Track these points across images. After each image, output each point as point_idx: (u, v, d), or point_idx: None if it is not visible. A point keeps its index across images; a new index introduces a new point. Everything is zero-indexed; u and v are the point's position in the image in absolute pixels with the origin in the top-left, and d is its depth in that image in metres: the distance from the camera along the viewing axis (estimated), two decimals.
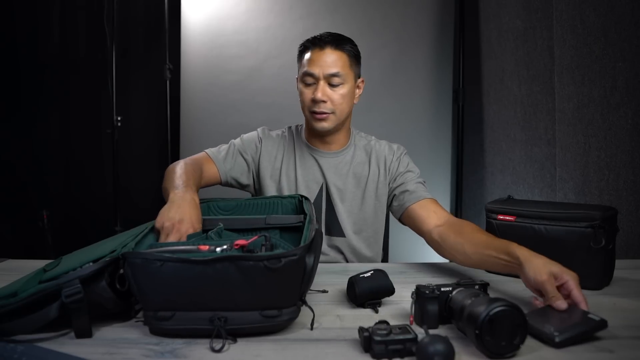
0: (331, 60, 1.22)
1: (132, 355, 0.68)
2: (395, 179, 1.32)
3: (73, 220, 2.81)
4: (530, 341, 0.71)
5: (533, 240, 1.02)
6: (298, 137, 1.37)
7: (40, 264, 0.88)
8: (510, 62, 2.08)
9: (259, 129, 1.39)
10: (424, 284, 0.79)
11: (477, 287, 0.79)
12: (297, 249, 0.72)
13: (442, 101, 2.52)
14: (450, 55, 2.52)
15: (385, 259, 1.54)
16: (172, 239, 0.90)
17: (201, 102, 2.59)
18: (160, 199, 1.09)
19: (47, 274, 0.81)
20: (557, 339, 0.69)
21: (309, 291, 0.89)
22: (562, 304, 0.78)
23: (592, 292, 0.95)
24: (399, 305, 0.88)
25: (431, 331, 0.70)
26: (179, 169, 1.15)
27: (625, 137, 1.39)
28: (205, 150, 1.33)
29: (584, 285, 0.96)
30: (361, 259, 1.33)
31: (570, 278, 0.81)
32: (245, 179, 1.34)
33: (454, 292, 0.77)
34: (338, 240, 1.31)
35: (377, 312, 0.85)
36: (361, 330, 0.70)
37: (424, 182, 1.32)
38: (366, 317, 0.83)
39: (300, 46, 1.29)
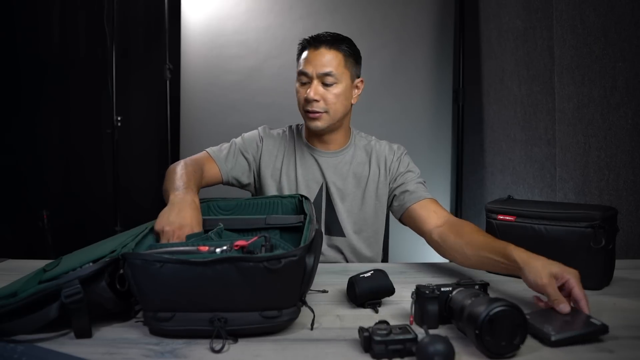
0: (325, 60, 1.22)
1: (132, 355, 0.68)
2: (395, 179, 1.32)
3: (73, 220, 2.81)
4: (530, 341, 0.71)
5: (533, 240, 1.02)
6: (298, 137, 1.37)
7: (40, 264, 0.88)
8: (510, 62, 2.08)
9: (259, 128, 1.39)
10: (424, 284, 0.79)
11: (477, 287, 0.79)
12: (296, 249, 0.72)
13: (442, 101, 2.52)
14: (450, 55, 2.52)
15: (385, 259, 1.54)
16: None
17: (201, 102, 2.59)
18: (160, 200, 1.09)
19: (47, 274, 0.81)
20: (552, 338, 0.69)
21: (309, 291, 0.89)
22: (565, 308, 0.78)
23: (592, 292, 0.95)
24: (399, 305, 0.88)
25: (431, 331, 0.70)
26: (180, 169, 1.15)
27: (625, 137, 1.39)
28: (207, 150, 1.32)
29: (584, 285, 0.96)
30: (361, 259, 1.33)
31: (571, 276, 0.81)
32: (246, 179, 1.34)
33: (454, 292, 0.77)
34: (338, 240, 1.31)
35: (377, 312, 0.85)
36: (361, 330, 0.69)
37: (424, 182, 1.32)
38: (366, 317, 0.83)
39: (299, 45, 1.30)
